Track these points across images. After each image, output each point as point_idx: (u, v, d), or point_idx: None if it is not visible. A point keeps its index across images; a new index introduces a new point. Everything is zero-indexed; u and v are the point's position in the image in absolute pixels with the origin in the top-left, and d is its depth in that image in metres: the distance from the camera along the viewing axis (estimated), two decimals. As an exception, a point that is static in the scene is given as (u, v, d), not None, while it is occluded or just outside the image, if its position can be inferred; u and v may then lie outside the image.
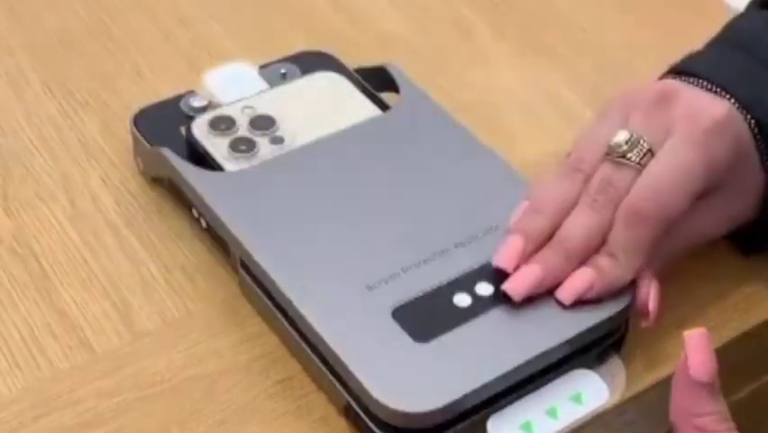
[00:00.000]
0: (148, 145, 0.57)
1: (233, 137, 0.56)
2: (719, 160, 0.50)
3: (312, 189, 0.54)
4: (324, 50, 0.63)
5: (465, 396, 0.45)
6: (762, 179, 0.52)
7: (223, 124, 0.57)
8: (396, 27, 0.69)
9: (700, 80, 0.52)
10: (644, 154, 0.49)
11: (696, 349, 0.45)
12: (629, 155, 0.49)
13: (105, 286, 0.53)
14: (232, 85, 0.60)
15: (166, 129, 0.58)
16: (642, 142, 0.50)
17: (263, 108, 0.58)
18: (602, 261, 0.49)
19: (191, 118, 0.58)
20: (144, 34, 0.68)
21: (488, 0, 0.72)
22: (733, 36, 0.56)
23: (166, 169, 0.55)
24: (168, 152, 0.55)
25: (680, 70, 0.54)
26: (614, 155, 0.50)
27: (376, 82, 0.61)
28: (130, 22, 0.68)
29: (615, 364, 0.50)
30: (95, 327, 0.52)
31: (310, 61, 0.62)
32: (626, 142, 0.49)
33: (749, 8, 0.59)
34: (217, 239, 0.53)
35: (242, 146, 0.56)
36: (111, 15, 0.69)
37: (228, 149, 0.56)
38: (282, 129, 0.57)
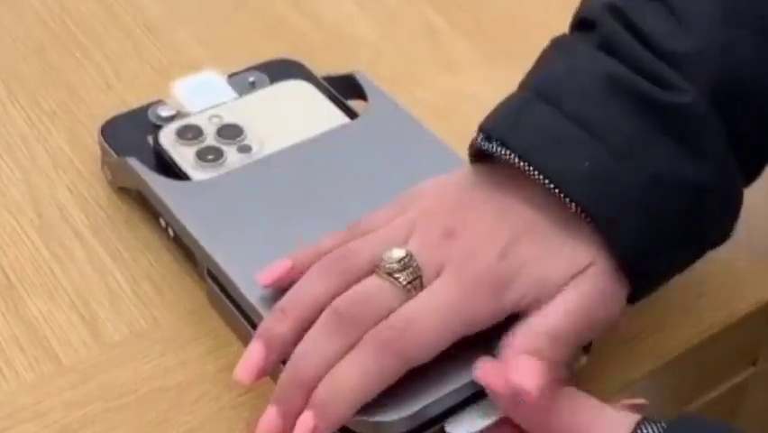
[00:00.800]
0: (115, 155, 0.57)
1: (200, 146, 0.56)
2: (483, 312, 0.45)
3: (279, 198, 0.54)
4: (292, 58, 0.63)
5: (428, 405, 0.45)
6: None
7: (190, 134, 0.57)
8: (365, 33, 0.69)
9: (505, 151, 0.47)
10: (413, 280, 0.45)
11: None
12: (397, 276, 0.45)
13: (72, 297, 0.53)
14: (200, 94, 0.60)
15: (134, 139, 0.58)
16: (415, 266, 0.45)
17: (231, 117, 0.58)
18: (325, 394, 0.44)
19: (159, 128, 0.57)
20: (113, 43, 0.67)
21: (457, 5, 0.72)
22: (538, 84, 0.50)
23: (133, 179, 0.55)
24: (134, 162, 0.55)
25: (486, 132, 0.48)
26: (382, 269, 0.46)
27: (344, 90, 0.61)
28: (98, 31, 0.68)
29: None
30: (61, 339, 0.51)
31: (279, 70, 0.62)
32: (399, 261, 0.45)
33: (566, 36, 0.52)
34: (185, 249, 0.53)
35: (210, 155, 0.56)
36: (79, 25, 0.69)
37: (195, 158, 0.55)
38: (250, 138, 0.57)
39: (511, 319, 0.46)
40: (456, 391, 0.46)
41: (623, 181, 0.45)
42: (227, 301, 0.51)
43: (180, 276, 0.54)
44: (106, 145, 0.57)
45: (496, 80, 0.66)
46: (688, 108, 0.46)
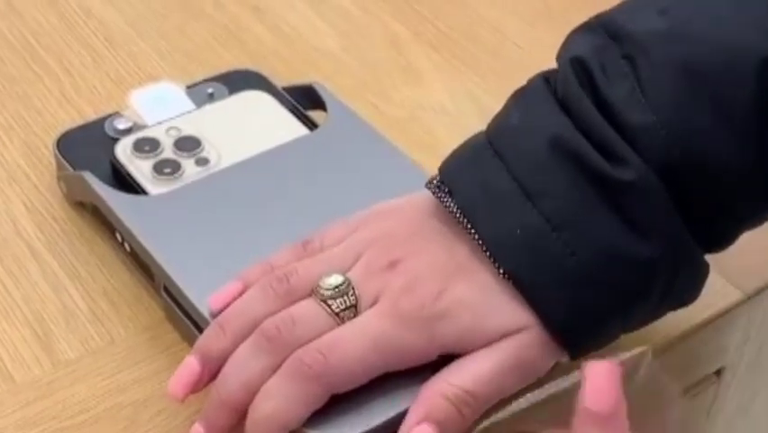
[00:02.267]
0: (71, 169, 0.56)
1: (157, 159, 0.55)
2: (411, 348, 0.44)
3: (237, 212, 0.53)
4: (252, 68, 0.62)
5: (380, 425, 0.44)
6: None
7: (147, 146, 0.56)
8: (327, 44, 0.69)
9: (450, 203, 0.46)
10: (347, 308, 0.45)
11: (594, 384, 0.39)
12: (330, 302, 0.45)
13: (26, 314, 0.52)
14: (158, 105, 0.59)
15: (90, 152, 0.57)
16: (350, 294, 0.45)
17: (188, 129, 0.57)
18: (251, 421, 0.43)
19: (116, 140, 0.57)
20: (71, 56, 0.67)
21: (419, 14, 0.71)
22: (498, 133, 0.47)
23: (88, 193, 0.54)
24: (89, 177, 0.54)
25: (442, 177, 0.47)
26: (318, 294, 0.45)
27: (304, 101, 0.60)
28: (56, 42, 0.67)
29: None
30: (15, 357, 0.50)
31: (238, 80, 0.61)
32: (335, 288, 0.45)
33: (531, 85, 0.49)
34: (141, 264, 0.53)
35: (167, 168, 0.55)
36: (36, 36, 0.68)
37: (152, 171, 0.55)
38: (208, 150, 0.56)
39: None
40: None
41: (556, 252, 0.44)
42: (183, 317, 0.50)
43: (137, 291, 0.53)
44: (62, 159, 0.57)
45: (458, 91, 0.66)
46: (631, 186, 0.43)
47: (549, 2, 0.73)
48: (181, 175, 0.55)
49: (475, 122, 0.64)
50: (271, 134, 0.57)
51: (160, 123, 0.57)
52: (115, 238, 0.54)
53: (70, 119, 0.61)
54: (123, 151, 0.56)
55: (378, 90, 0.66)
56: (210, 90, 0.60)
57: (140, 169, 0.55)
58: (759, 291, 0.55)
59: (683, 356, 0.54)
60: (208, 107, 0.59)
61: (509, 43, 0.70)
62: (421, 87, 0.66)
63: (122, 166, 0.55)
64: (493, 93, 0.66)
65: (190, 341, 0.51)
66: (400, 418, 0.44)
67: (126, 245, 0.53)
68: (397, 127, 0.62)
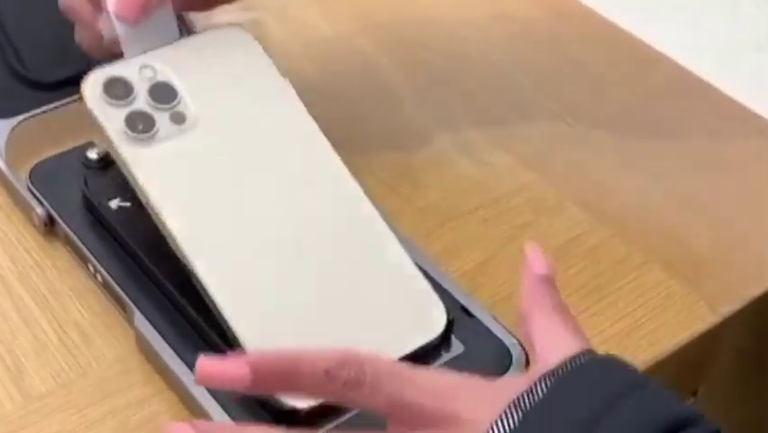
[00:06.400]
0: (43, 200, 0.56)
1: (130, 109, 0.50)
2: None
3: None
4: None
5: None
6: None
7: (119, 90, 0.50)
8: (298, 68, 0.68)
9: None
10: None
11: (535, 254, 0.46)
12: None
13: (-3, 347, 0.52)
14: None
15: (62, 183, 0.56)
16: None
17: (164, 72, 0.51)
18: None
19: (89, 170, 0.56)
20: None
21: (392, 36, 0.71)
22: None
23: (59, 227, 0.54)
24: (60, 210, 0.54)
25: None
26: None
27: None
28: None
29: None
30: (-15, 390, 0.50)
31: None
32: None
33: None
34: (114, 295, 0.52)
35: (140, 124, 0.50)
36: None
37: (125, 126, 0.49)
38: (184, 103, 0.51)
39: None
40: None
41: None
42: (156, 349, 0.50)
43: (109, 323, 0.52)
44: (34, 189, 0.56)
45: (435, 112, 0.66)
46: None
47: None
48: (155, 135, 0.50)
49: (448, 144, 0.64)
50: (250, 81, 0.53)
51: (132, 60, 0.52)
52: (87, 269, 0.54)
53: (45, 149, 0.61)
54: (93, 93, 0.50)
55: (355, 112, 0.65)
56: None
57: (111, 120, 0.49)
58: (736, 313, 0.55)
59: (661, 378, 0.54)
60: (185, 42, 0.53)
61: (485, 62, 0.70)
62: (394, 105, 0.66)
63: (92, 115, 0.50)
64: (467, 113, 0.66)
65: (162, 374, 0.50)
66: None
67: (98, 277, 0.53)
68: (375, 148, 0.62)
